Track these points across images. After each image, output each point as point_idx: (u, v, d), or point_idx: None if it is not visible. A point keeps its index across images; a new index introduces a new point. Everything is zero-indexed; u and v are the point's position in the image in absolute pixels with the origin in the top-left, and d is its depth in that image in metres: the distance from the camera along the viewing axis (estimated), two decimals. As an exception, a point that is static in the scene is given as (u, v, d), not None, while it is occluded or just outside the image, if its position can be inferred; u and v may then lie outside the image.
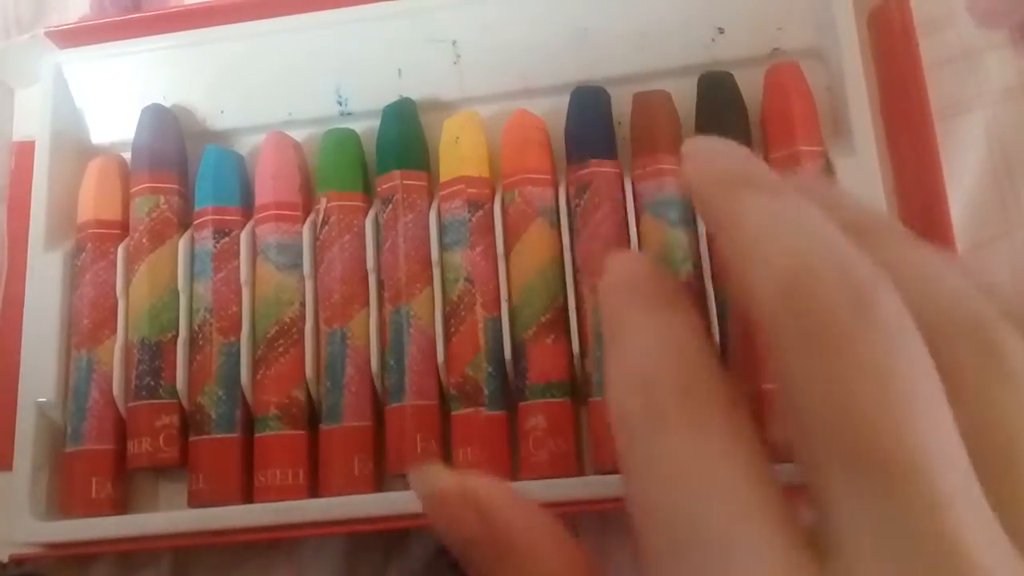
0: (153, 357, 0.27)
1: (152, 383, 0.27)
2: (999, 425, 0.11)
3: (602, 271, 0.15)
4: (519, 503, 0.15)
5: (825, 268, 0.12)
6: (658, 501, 0.12)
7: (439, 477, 0.15)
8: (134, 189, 0.29)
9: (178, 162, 0.29)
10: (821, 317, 0.11)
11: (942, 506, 0.10)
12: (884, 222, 0.15)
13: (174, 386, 0.27)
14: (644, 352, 0.13)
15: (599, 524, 0.27)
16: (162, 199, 0.29)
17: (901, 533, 0.10)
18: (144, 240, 0.28)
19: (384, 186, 0.28)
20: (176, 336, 0.28)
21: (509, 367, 0.26)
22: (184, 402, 0.27)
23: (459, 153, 0.28)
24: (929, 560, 0.10)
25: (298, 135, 0.30)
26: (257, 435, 0.27)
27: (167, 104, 0.30)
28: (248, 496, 0.26)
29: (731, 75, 0.28)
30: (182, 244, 0.28)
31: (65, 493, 0.27)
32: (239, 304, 0.28)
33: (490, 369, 0.26)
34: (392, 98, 0.29)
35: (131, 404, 0.27)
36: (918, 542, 0.10)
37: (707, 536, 0.11)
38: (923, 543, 0.10)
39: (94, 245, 0.29)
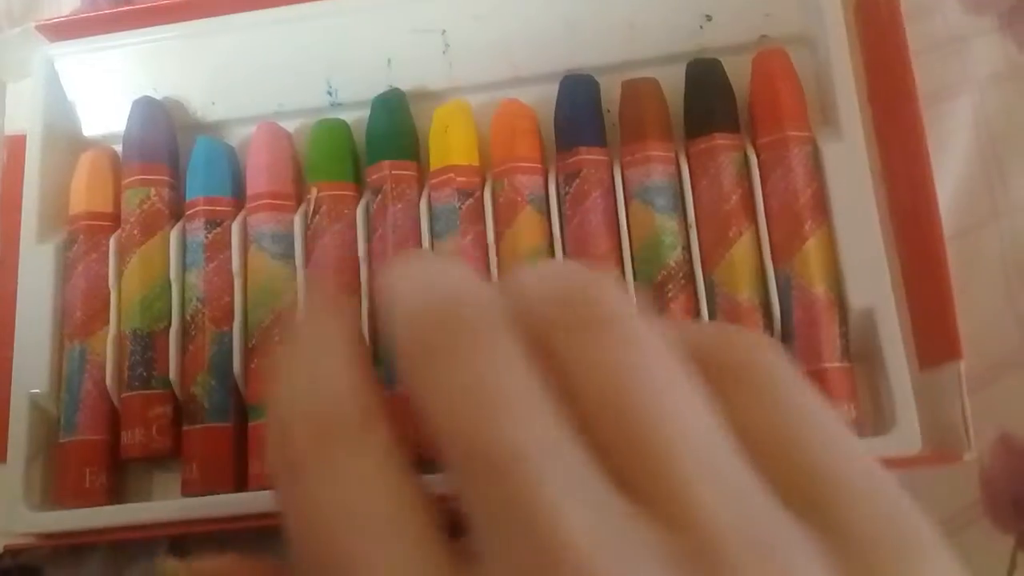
0: (145, 348, 0.27)
1: (145, 374, 0.27)
2: (591, 381, 0.12)
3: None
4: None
5: (435, 299, 0.13)
6: (302, 540, 0.13)
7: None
8: (125, 181, 0.29)
9: (169, 154, 0.29)
10: (421, 339, 0.13)
11: (535, 483, 0.11)
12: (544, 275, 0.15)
13: (167, 376, 0.27)
14: (281, 399, 0.14)
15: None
16: (153, 191, 0.29)
17: (507, 526, 0.11)
18: (135, 232, 0.28)
19: (373, 176, 0.28)
20: (168, 327, 0.28)
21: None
22: (177, 392, 0.27)
23: (449, 142, 0.28)
24: (531, 545, 0.10)
25: (289, 126, 0.30)
26: (251, 424, 0.27)
27: (158, 96, 0.30)
28: (241, 484, 0.27)
29: (719, 62, 0.28)
30: (174, 235, 0.28)
31: (59, 484, 0.27)
32: (231, 294, 0.28)
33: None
34: (382, 88, 0.29)
35: (124, 395, 0.27)
36: (522, 530, 0.11)
37: (348, 568, 0.12)
38: (525, 531, 0.11)
39: (86, 237, 0.29)
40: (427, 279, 0.14)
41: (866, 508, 0.12)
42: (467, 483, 0.12)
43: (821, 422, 0.13)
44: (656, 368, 0.12)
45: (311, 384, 0.14)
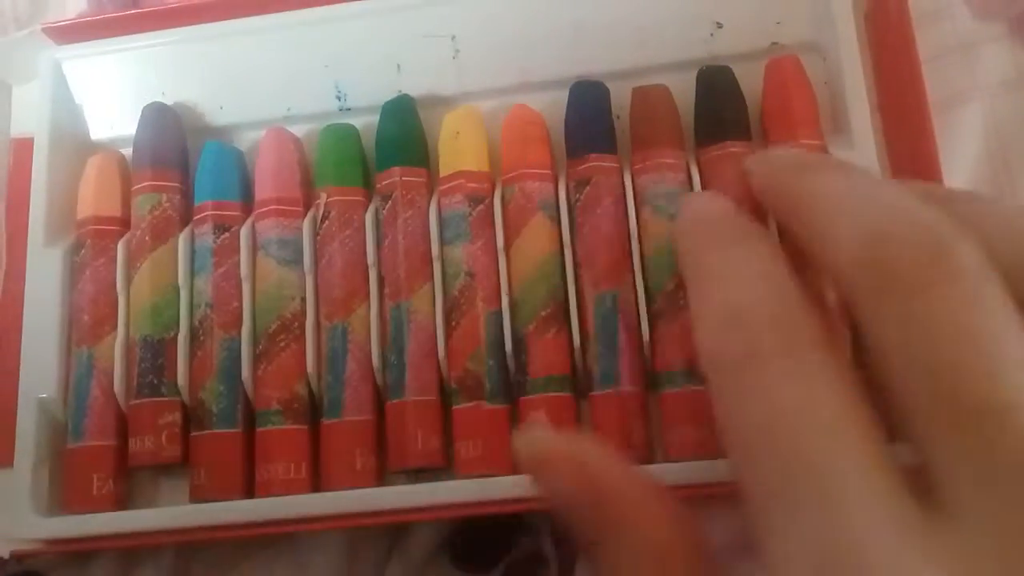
0: (155, 355, 0.27)
1: (154, 381, 0.27)
2: None
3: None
4: (627, 469, 0.14)
5: (903, 225, 0.12)
6: (757, 438, 0.12)
7: (545, 439, 0.15)
8: (136, 187, 0.29)
9: (180, 160, 0.29)
10: (903, 270, 0.12)
11: None
12: (955, 190, 0.15)
13: (176, 384, 0.27)
14: (729, 286, 0.13)
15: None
16: (164, 197, 0.29)
17: (1004, 479, 0.10)
18: (146, 238, 0.28)
19: (383, 183, 0.28)
20: (178, 334, 0.28)
21: (510, 361, 0.26)
22: (185, 397, 0.27)
23: (459, 148, 0.28)
24: None
25: (297, 130, 0.30)
26: (259, 430, 0.27)
27: (166, 99, 0.30)
28: (249, 491, 0.27)
29: (730, 69, 0.28)
30: (182, 239, 0.28)
31: (66, 489, 0.27)
32: (240, 299, 0.28)
33: (491, 363, 0.26)
34: (391, 93, 0.29)
35: (133, 402, 0.27)
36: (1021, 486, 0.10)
37: (809, 473, 0.11)
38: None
39: (94, 241, 0.29)
40: (880, 200, 0.13)
41: None
42: (943, 425, 0.11)
43: None
44: None
45: (758, 274, 0.13)
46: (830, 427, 0.11)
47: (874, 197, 0.13)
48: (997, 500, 0.10)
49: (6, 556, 0.27)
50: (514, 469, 0.26)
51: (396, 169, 0.28)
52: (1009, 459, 0.10)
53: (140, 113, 0.30)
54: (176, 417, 0.27)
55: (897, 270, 0.12)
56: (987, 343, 0.11)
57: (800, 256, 0.14)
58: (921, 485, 0.11)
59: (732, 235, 0.14)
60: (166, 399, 0.27)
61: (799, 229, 0.14)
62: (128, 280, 0.28)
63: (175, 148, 0.29)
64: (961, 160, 0.29)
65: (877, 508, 0.10)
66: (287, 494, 0.26)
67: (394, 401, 0.26)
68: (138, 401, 0.27)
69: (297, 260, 0.28)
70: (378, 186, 0.28)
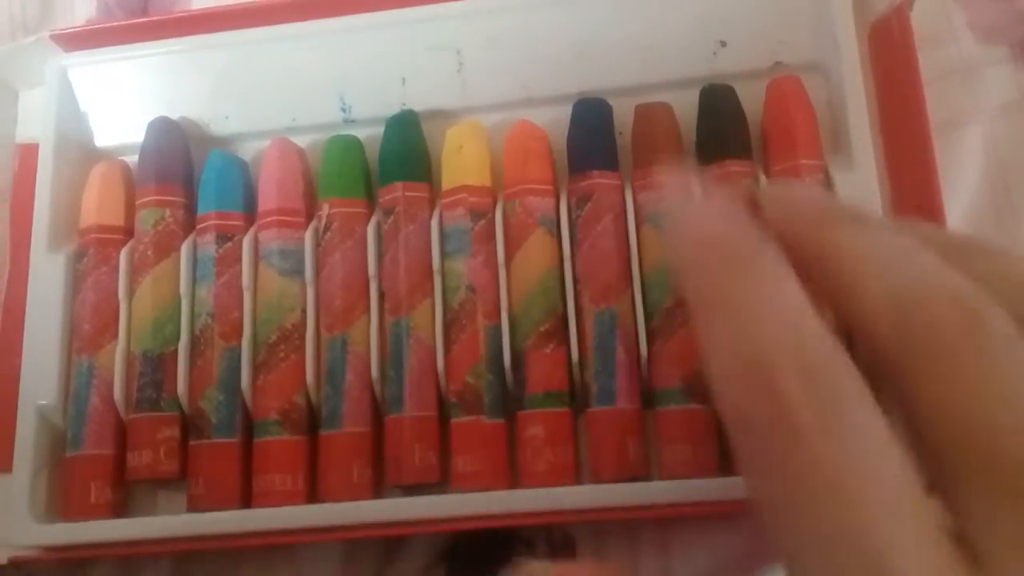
0: (155, 369, 0.27)
1: (154, 395, 0.27)
2: None
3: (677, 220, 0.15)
4: None
5: (934, 292, 0.12)
6: (800, 508, 0.11)
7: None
8: (140, 201, 0.29)
9: (184, 175, 0.30)
10: (940, 339, 0.12)
11: None
12: (966, 239, 0.15)
13: (176, 398, 0.27)
14: (748, 326, 0.12)
15: (596, 534, 0.28)
16: (168, 212, 0.29)
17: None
18: (149, 252, 0.28)
19: (386, 197, 0.28)
20: (178, 348, 0.28)
21: (508, 375, 0.26)
22: (184, 406, 0.27)
23: (462, 162, 0.28)
24: None
25: (301, 141, 0.30)
26: (257, 440, 0.27)
27: (172, 108, 0.30)
28: (247, 501, 0.27)
29: (732, 88, 0.28)
30: (185, 249, 0.28)
31: (65, 497, 0.27)
32: (241, 309, 0.28)
33: (490, 377, 0.26)
34: (396, 106, 0.29)
35: (132, 416, 0.27)
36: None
37: (859, 536, 0.11)
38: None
39: (96, 250, 0.29)
40: (906, 262, 0.13)
41: None
42: (983, 485, 0.11)
43: None
44: None
45: (788, 318, 0.13)
46: (877, 498, 0.11)
47: (901, 259, 0.13)
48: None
49: (4, 562, 0.27)
50: (512, 484, 0.26)
51: (399, 184, 0.28)
52: None
53: (146, 125, 0.30)
54: (174, 432, 0.27)
55: (933, 336, 0.12)
56: (1021, 403, 0.11)
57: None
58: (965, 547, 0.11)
59: (747, 264, 0.13)
60: (165, 414, 0.27)
61: (823, 278, 0.14)
62: (130, 289, 0.28)
63: (179, 162, 0.30)
64: (962, 182, 0.29)
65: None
66: (284, 505, 0.26)
67: (392, 416, 0.26)
68: (137, 415, 0.27)
69: (299, 271, 0.28)
70: (380, 200, 0.28)
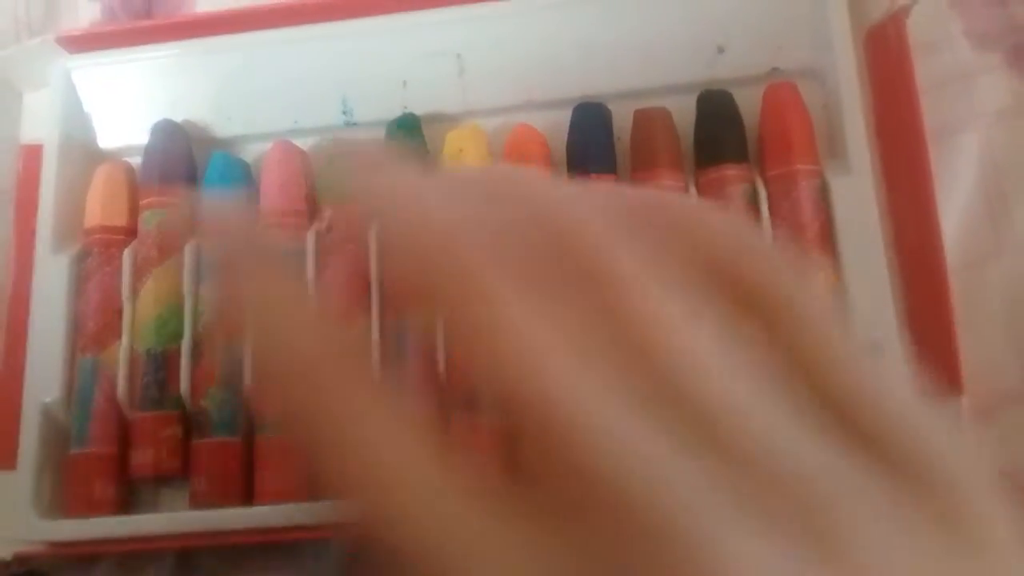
0: (159, 368, 0.28)
1: (157, 394, 0.28)
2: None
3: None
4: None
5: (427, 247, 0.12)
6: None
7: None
8: (143, 202, 0.29)
9: (187, 176, 0.30)
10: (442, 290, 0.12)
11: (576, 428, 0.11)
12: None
13: (179, 397, 0.27)
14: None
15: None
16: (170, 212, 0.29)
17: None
18: (153, 252, 0.29)
19: (388, 198, 0.28)
20: (181, 346, 0.28)
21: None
22: (188, 404, 0.28)
23: (464, 164, 0.28)
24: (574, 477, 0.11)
25: (303, 144, 0.30)
26: (259, 438, 0.27)
27: (175, 110, 0.31)
28: (249, 498, 0.27)
29: (730, 93, 0.28)
30: (188, 249, 0.29)
31: (69, 494, 0.28)
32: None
33: (489, 379, 0.26)
34: (397, 109, 0.30)
35: (136, 414, 0.28)
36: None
37: None
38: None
39: (100, 250, 0.29)
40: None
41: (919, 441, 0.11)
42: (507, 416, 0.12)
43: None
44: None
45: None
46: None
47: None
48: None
49: (8, 558, 0.27)
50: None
51: (400, 186, 0.28)
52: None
53: (149, 127, 0.30)
54: (177, 430, 0.28)
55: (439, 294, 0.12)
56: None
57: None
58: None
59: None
60: (167, 412, 0.28)
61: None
62: (133, 289, 0.29)
63: (182, 164, 0.30)
64: (957, 187, 0.29)
65: None
66: (286, 502, 0.26)
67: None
68: (140, 414, 0.28)
69: (301, 272, 0.28)
70: (382, 202, 0.29)
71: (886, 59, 0.28)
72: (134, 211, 0.30)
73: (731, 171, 0.27)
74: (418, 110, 0.30)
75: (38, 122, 0.32)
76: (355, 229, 0.28)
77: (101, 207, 0.30)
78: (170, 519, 0.27)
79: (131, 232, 0.30)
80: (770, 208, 0.27)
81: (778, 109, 0.28)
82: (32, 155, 0.31)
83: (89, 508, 0.27)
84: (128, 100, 0.31)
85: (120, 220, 0.30)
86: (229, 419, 0.27)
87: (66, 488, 0.28)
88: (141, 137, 0.30)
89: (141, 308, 0.28)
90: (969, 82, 0.30)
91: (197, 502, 0.27)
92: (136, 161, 0.31)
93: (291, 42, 0.30)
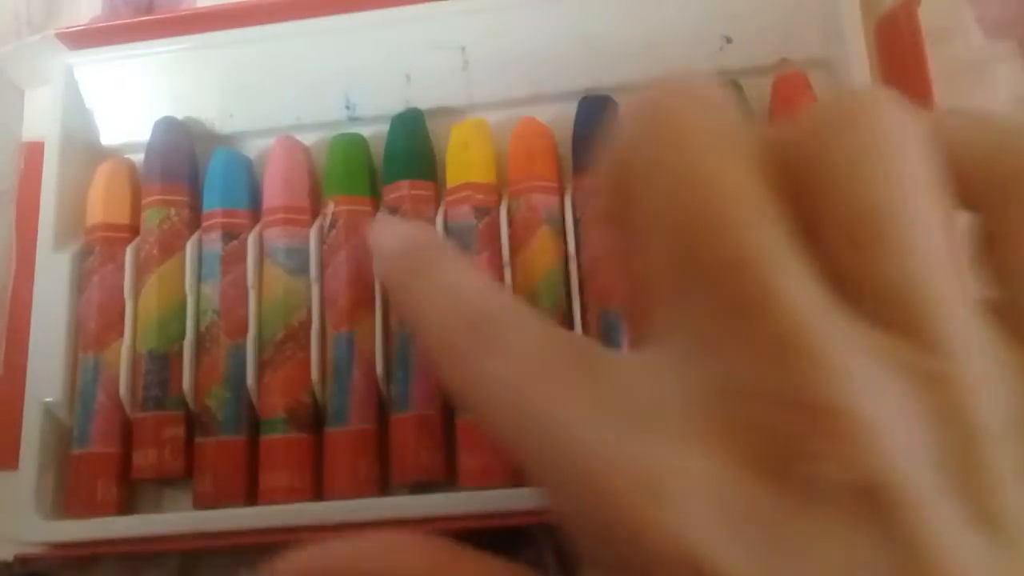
0: (161, 368, 0.27)
1: (159, 394, 0.27)
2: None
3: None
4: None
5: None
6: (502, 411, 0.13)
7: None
8: (145, 200, 0.29)
9: (189, 174, 0.30)
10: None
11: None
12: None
13: (181, 397, 0.27)
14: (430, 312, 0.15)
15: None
16: (173, 211, 0.29)
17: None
18: (154, 251, 0.28)
19: (391, 196, 0.28)
20: (183, 346, 0.28)
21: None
22: (191, 404, 0.27)
23: (467, 159, 0.28)
24: (760, 341, 0.11)
25: (306, 139, 0.30)
26: (263, 437, 0.27)
27: (177, 106, 0.30)
28: (252, 499, 0.27)
29: (739, 85, 0.28)
30: (190, 246, 0.28)
31: (71, 494, 0.27)
32: (246, 307, 0.28)
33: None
34: (400, 103, 0.29)
35: (138, 415, 0.27)
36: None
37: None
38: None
39: (102, 248, 0.29)
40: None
41: None
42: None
43: None
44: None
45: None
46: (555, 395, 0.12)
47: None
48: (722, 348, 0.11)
49: (10, 559, 0.27)
50: (515, 482, 0.26)
51: (404, 183, 0.28)
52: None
53: (151, 124, 0.30)
54: (179, 431, 0.27)
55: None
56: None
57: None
58: None
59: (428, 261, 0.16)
60: (170, 413, 0.27)
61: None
62: (135, 288, 0.28)
63: (184, 162, 0.30)
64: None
65: None
66: (290, 502, 0.26)
67: (398, 414, 0.26)
68: (143, 413, 0.27)
69: (304, 269, 0.28)
70: (385, 198, 0.28)
71: (898, 47, 0.28)
72: (136, 209, 0.29)
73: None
74: (422, 104, 0.29)
75: (39, 119, 0.31)
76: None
77: (103, 205, 0.29)
78: (173, 520, 0.27)
79: (133, 230, 0.29)
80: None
81: (788, 100, 0.27)
82: (33, 152, 0.31)
83: (91, 508, 0.27)
84: (130, 96, 0.31)
85: (122, 218, 0.29)
86: (233, 418, 0.27)
87: (68, 488, 0.27)
88: (143, 134, 0.30)
89: (143, 307, 0.28)
90: (983, 70, 0.30)
91: (200, 502, 0.27)
92: (138, 158, 0.30)
93: (293, 36, 0.30)
